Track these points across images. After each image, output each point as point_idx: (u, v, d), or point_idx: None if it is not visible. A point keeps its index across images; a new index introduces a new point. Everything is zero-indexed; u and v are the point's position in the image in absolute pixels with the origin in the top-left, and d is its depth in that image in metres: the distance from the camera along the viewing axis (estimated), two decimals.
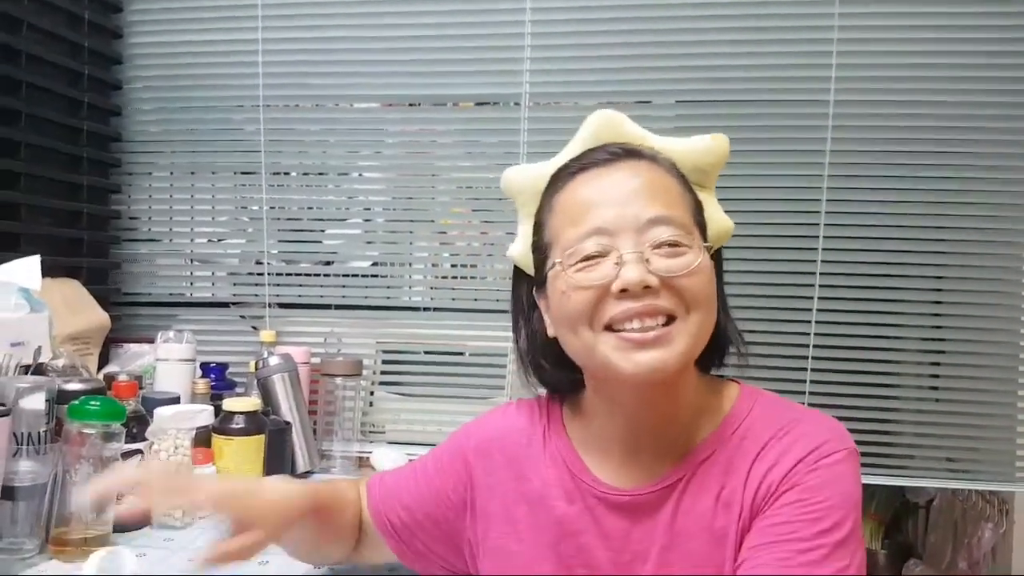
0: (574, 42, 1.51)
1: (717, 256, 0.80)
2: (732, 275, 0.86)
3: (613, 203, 0.72)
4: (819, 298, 1.46)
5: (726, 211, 0.81)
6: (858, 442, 0.73)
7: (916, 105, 1.45)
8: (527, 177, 0.83)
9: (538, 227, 0.79)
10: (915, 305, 1.47)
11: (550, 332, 0.79)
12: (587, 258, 0.71)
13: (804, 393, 1.47)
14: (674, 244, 0.70)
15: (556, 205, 0.77)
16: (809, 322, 1.47)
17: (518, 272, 0.84)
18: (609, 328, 0.70)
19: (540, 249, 0.78)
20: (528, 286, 0.81)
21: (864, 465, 0.73)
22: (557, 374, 0.82)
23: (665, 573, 0.74)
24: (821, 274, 1.46)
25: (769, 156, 1.48)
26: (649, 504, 0.76)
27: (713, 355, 0.80)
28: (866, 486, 0.72)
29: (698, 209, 0.76)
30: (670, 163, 0.77)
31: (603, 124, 0.79)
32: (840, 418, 0.76)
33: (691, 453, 0.75)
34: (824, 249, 1.46)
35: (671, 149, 0.79)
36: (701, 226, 0.76)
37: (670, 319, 0.69)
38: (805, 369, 1.47)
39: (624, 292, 0.69)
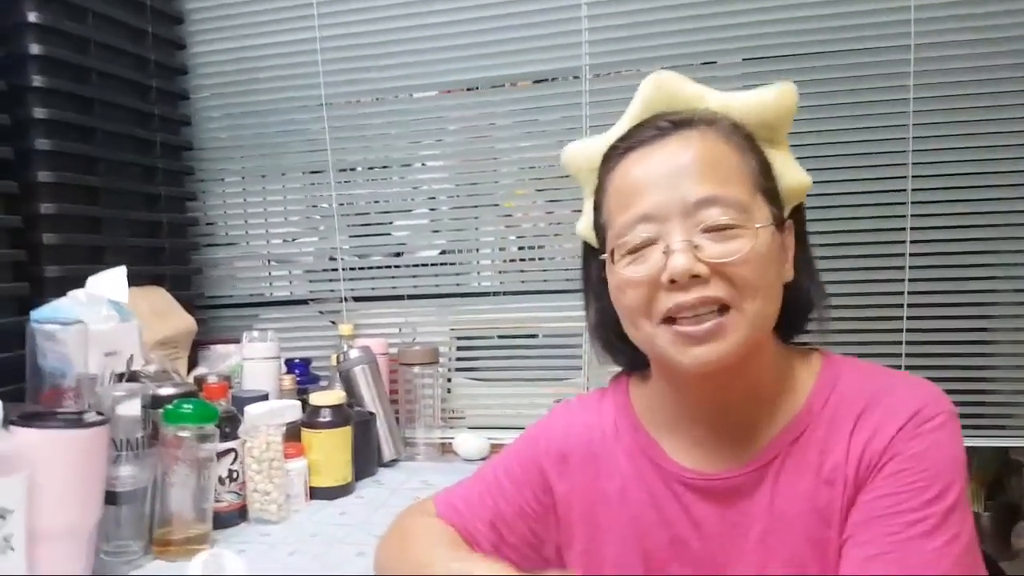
0: (632, 7, 1.46)
1: (798, 214, 0.76)
2: (817, 236, 0.81)
3: (660, 186, 0.68)
4: (911, 255, 1.38)
5: (807, 170, 0.76)
6: (956, 403, 0.70)
7: (1002, 43, 1.34)
8: (585, 153, 0.79)
9: (597, 207, 0.77)
10: (1010, 256, 1.38)
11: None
12: (635, 250, 0.69)
13: (900, 355, 1.39)
14: (725, 228, 0.66)
15: (608, 186, 0.74)
16: (902, 280, 1.39)
17: (587, 247, 0.82)
18: (666, 320, 0.68)
19: (600, 229, 0.76)
20: (598, 262, 0.79)
21: (963, 427, 0.69)
22: (630, 350, 0.78)
23: (769, 557, 0.71)
24: (912, 229, 1.38)
25: (848, 109, 1.39)
26: (743, 487, 0.72)
27: (794, 321, 0.76)
28: (966, 448, 0.68)
29: (763, 172, 0.71)
30: (729, 125, 0.72)
31: (655, 89, 0.75)
32: (936, 379, 0.71)
33: (783, 431, 0.72)
34: (913, 203, 1.38)
35: (732, 106, 0.74)
36: (768, 191, 0.71)
37: (724, 308, 0.66)
38: (900, 330, 1.40)
39: (673, 283, 0.66)
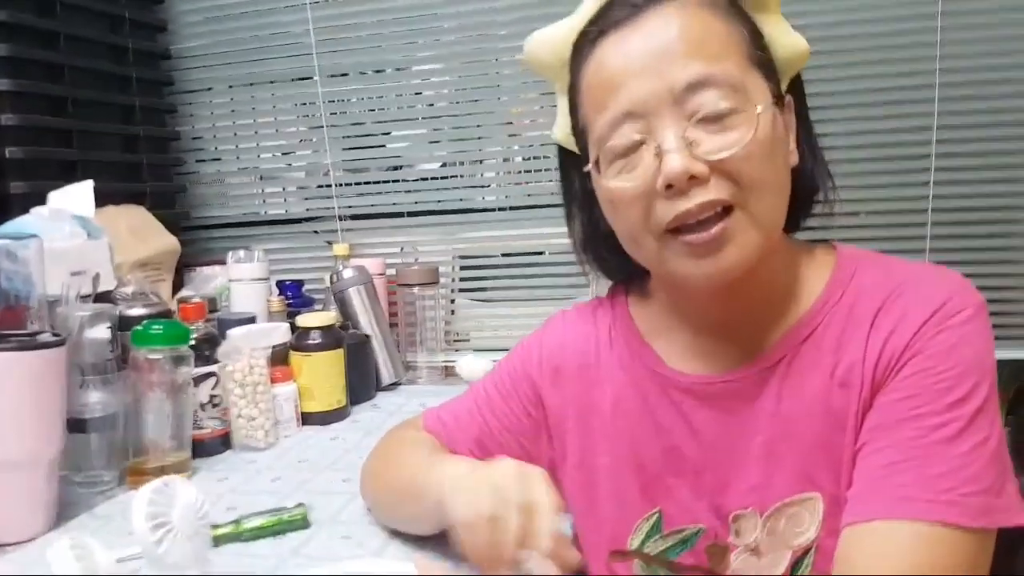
0: None
1: (795, 87, 0.66)
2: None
3: (641, 74, 0.59)
4: (937, 155, 1.29)
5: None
6: None
7: None
8: (551, 44, 0.68)
9: (572, 108, 0.67)
10: None
11: (607, 225, 0.68)
12: (622, 154, 0.60)
13: (924, 251, 1.33)
14: (721, 115, 0.57)
15: (581, 83, 0.64)
16: (928, 184, 1.30)
17: (565, 155, 0.72)
18: (670, 231, 0.60)
19: (580, 134, 0.67)
20: (580, 171, 0.69)
21: None
22: (622, 262, 0.70)
23: (774, 466, 0.64)
24: (938, 128, 1.28)
25: None
26: (745, 391, 0.65)
27: (799, 209, 0.68)
28: None
29: (756, 41, 0.61)
30: None
31: None
32: None
33: (791, 330, 0.65)
34: (940, 99, 1.28)
35: None
36: (763, 63, 0.61)
37: (729, 209, 0.58)
38: (924, 237, 1.32)
39: (670, 188, 0.58)
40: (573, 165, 0.71)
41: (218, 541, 0.76)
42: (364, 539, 0.77)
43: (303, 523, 0.80)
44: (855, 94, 1.30)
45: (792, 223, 0.68)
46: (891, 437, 0.58)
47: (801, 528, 0.62)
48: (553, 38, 0.67)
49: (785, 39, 0.63)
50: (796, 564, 0.63)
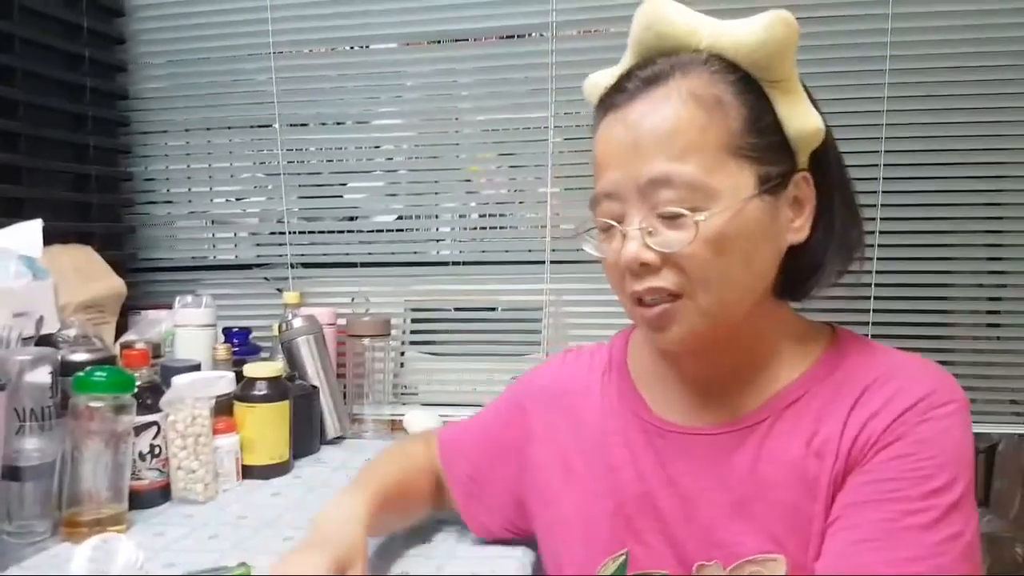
0: None
1: (820, 161, 0.67)
2: None
3: (619, 160, 0.64)
4: (880, 232, 1.35)
5: None
6: None
7: (971, 30, 1.30)
8: (596, 91, 0.71)
9: None
10: (974, 236, 1.36)
11: None
12: (604, 228, 0.67)
13: (868, 323, 1.38)
14: (675, 215, 0.62)
15: (593, 147, 0.70)
16: (872, 259, 1.36)
17: None
18: (631, 301, 0.67)
19: None
20: None
21: None
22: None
23: (744, 524, 0.65)
24: (883, 205, 1.35)
25: (826, 79, 1.34)
26: (725, 447, 0.68)
27: (795, 284, 0.70)
28: None
29: (755, 123, 0.62)
30: (712, 72, 0.63)
31: (644, 28, 0.67)
32: None
33: (777, 395, 0.68)
34: (885, 179, 1.34)
35: (723, 42, 0.64)
36: (760, 147, 0.62)
37: (678, 295, 0.64)
38: (868, 307, 1.37)
39: (625, 269, 0.64)
40: None
41: None
42: None
43: None
44: None
45: (793, 293, 0.71)
46: (864, 516, 0.59)
47: None
48: (598, 85, 0.71)
49: (797, 117, 0.64)
50: None
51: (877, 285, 1.36)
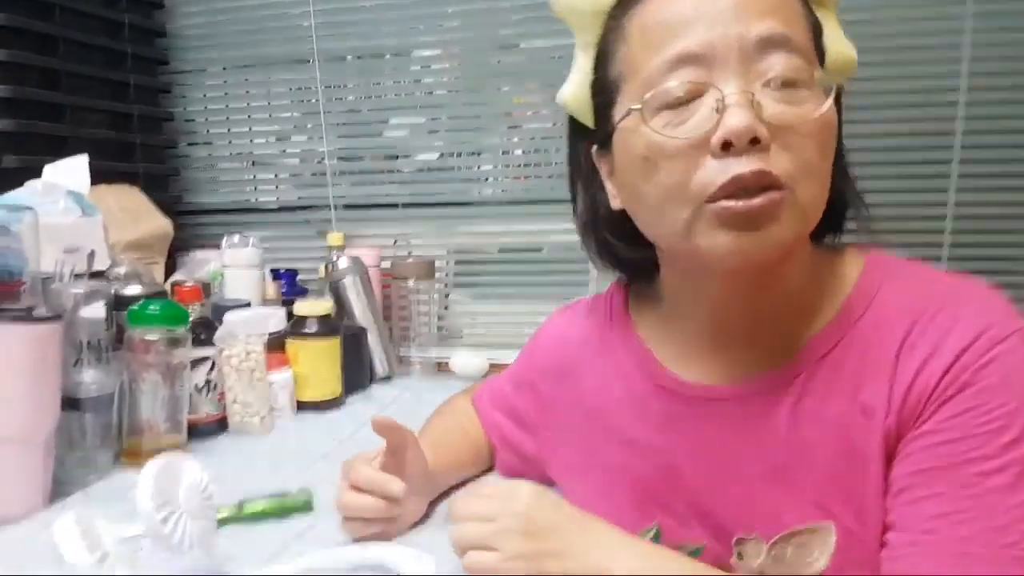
0: None
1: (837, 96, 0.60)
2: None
3: (714, 16, 0.53)
4: (962, 147, 1.25)
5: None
6: None
7: None
8: None
9: (602, 58, 0.60)
10: None
11: (615, 204, 0.63)
12: (675, 103, 0.54)
13: (942, 259, 1.29)
14: (792, 83, 0.53)
15: (629, 26, 0.57)
16: (948, 176, 1.27)
17: (574, 124, 0.67)
18: (706, 201, 0.53)
19: (604, 90, 0.60)
20: (587, 141, 0.64)
21: None
22: (628, 251, 0.66)
23: (784, 493, 0.59)
24: (965, 118, 1.24)
25: None
26: (756, 407, 0.60)
27: (829, 221, 0.61)
28: None
29: (817, 32, 0.57)
30: None
31: None
32: None
33: (809, 345, 0.59)
34: (970, 89, 1.24)
35: None
36: (821, 55, 0.57)
37: (778, 187, 0.52)
38: (943, 231, 1.29)
39: (727, 148, 0.52)
40: (582, 136, 0.65)
41: (220, 523, 0.73)
42: None
43: (307, 508, 0.78)
44: (877, 90, 1.28)
45: (819, 234, 0.63)
46: (940, 484, 0.52)
47: (810, 558, 0.57)
48: None
49: (837, 43, 0.59)
50: None
51: (955, 218, 1.28)
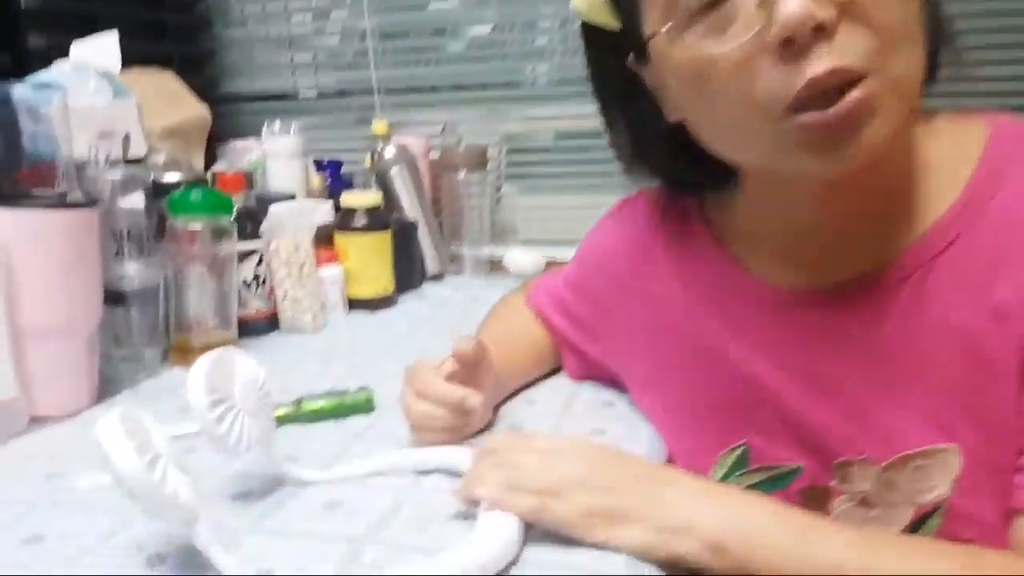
0: None
1: None
2: None
3: None
4: None
5: None
6: None
7: None
8: None
9: None
10: None
11: (672, 117, 0.54)
12: (702, 10, 0.45)
13: None
14: None
15: None
16: None
17: (594, 36, 0.56)
18: (781, 117, 0.45)
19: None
20: (615, 51, 0.55)
21: None
22: (687, 169, 0.57)
23: (898, 409, 0.51)
24: None
25: None
26: (860, 311, 0.52)
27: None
28: None
29: None
30: None
31: None
32: None
33: (923, 239, 0.50)
34: None
35: None
36: None
37: (862, 79, 0.43)
38: None
39: (788, 45, 0.43)
40: (609, 47, 0.55)
41: (277, 422, 0.69)
42: None
43: (367, 407, 0.73)
44: None
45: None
46: None
47: (928, 484, 0.50)
48: None
49: None
50: (918, 523, 0.51)
51: None
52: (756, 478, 0.59)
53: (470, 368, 0.64)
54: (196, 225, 0.85)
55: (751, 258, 0.58)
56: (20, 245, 0.68)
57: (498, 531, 0.48)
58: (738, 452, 0.59)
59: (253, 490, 0.58)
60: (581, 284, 0.74)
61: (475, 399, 0.61)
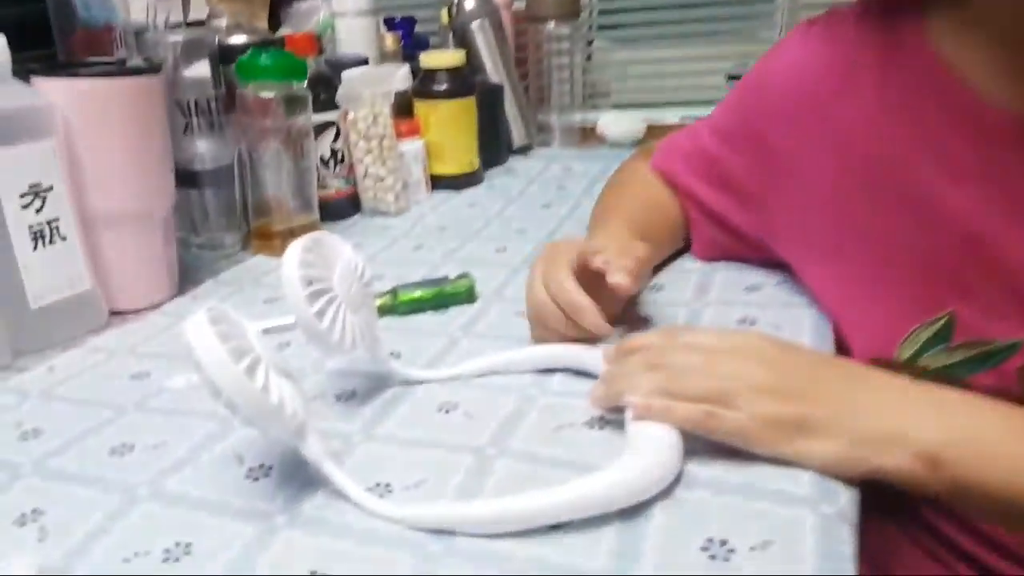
0: None
1: None
2: None
3: None
4: None
5: None
6: None
7: None
8: None
9: None
10: None
11: None
12: None
13: None
14: None
15: None
16: None
17: None
18: None
19: None
20: None
21: None
22: None
23: None
24: None
25: None
26: None
27: None
28: None
29: None
30: None
31: None
32: None
33: None
34: None
35: None
36: None
37: None
38: None
39: None
40: None
41: None
42: None
43: (468, 296, 0.65)
44: None
45: None
46: None
47: None
48: None
49: None
50: None
51: None
52: (960, 355, 0.49)
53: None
54: (268, 93, 0.76)
55: (985, 83, 0.47)
56: (80, 120, 0.60)
57: (657, 446, 0.40)
58: (940, 323, 0.49)
59: (357, 390, 0.51)
60: (738, 130, 0.62)
61: (608, 331, 0.51)
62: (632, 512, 0.37)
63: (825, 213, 0.55)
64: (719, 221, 0.65)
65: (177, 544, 0.37)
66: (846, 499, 0.38)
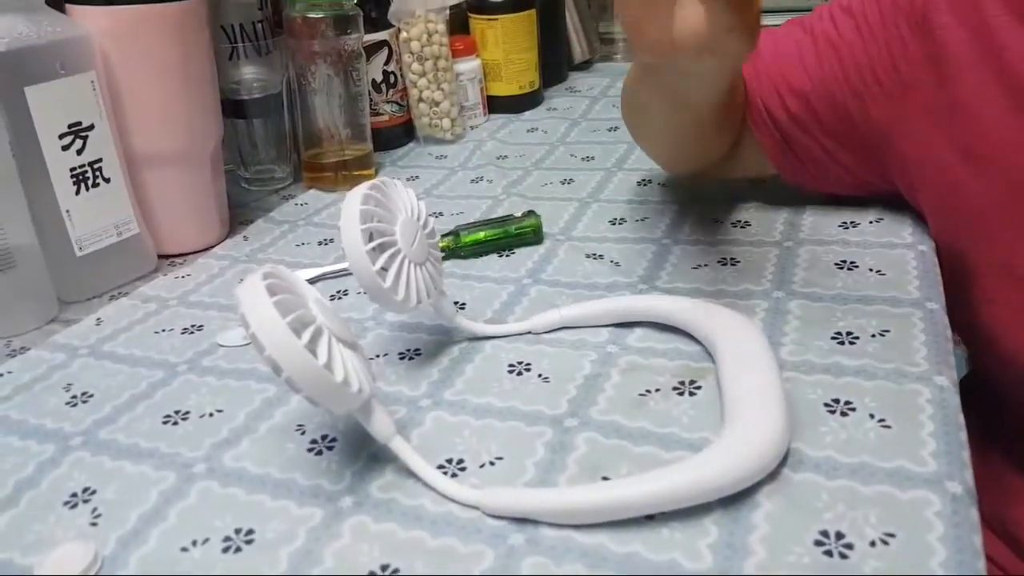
0: None
1: None
2: None
3: None
4: None
5: None
6: None
7: None
8: None
9: None
10: None
11: None
12: None
13: None
14: None
15: None
16: None
17: None
18: None
19: None
20: None
21: None
22: None
23: None
24: None
25: None
26: None
27: None
28: None
29: None
30: None
31: None
32: None
33: None
34: None
35: None
36: None
37: None
38: None
39: None
40: None
41: None
42: (615, 259, 0.57)
43: (535, 236, 0.60)
44: None
45: None
46: None
47: None
48: None
49: None
50: None
51: None
52: None
53: None
54: (317, 13, 0.70)
55: None
56: (119, 51, 0.56)
57: (763, 417, 0.35)
58: None
59: (422, 348, 0.48)
60: (892, 8, 0.50)
61: None
62: (735, 499, 0.33)
63: (967, 98, 0.47)
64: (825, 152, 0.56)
65: (238, 531, 0.34)
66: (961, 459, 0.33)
